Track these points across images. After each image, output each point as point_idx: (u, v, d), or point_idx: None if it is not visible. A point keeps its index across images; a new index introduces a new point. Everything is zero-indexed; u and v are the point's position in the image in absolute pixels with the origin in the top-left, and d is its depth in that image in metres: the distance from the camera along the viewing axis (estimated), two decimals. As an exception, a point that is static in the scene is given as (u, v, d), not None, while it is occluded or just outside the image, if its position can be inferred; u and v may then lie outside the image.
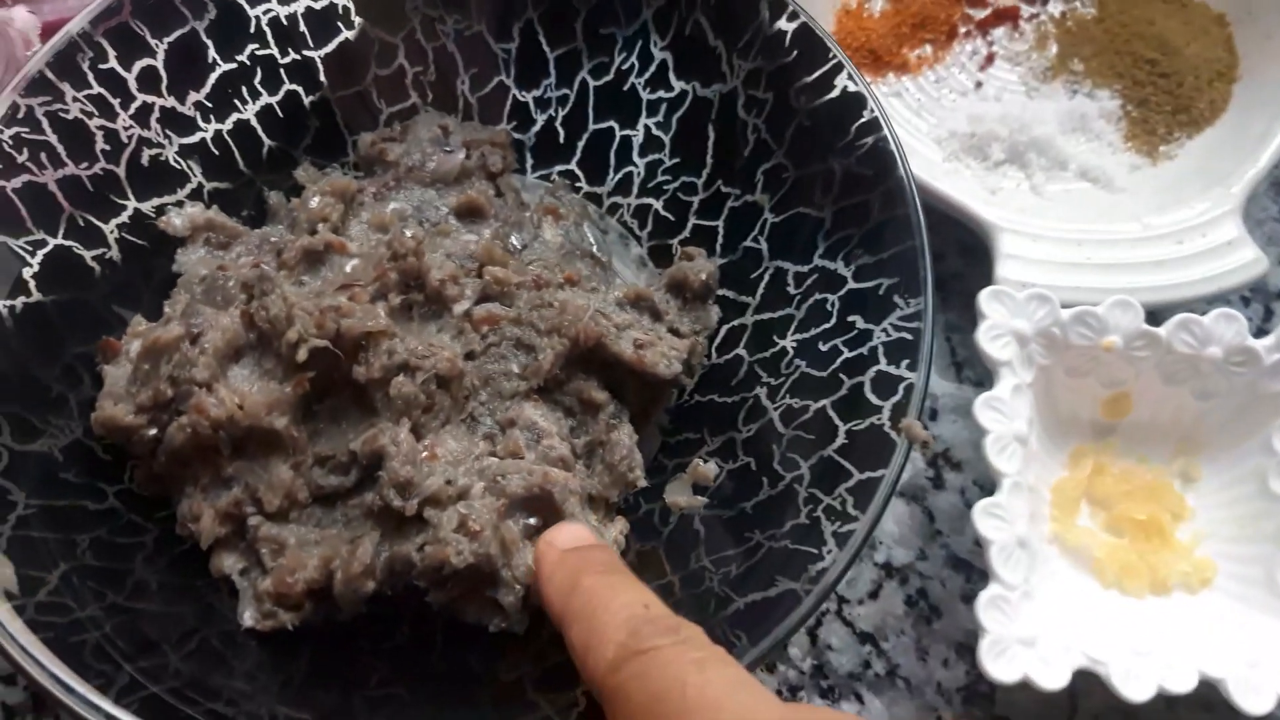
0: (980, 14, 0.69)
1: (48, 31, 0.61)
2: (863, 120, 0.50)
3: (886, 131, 0.49)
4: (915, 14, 0.67)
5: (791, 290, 0.52)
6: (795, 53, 0.52)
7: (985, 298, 0.53)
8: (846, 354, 0.48)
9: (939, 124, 0.65)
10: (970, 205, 0.57)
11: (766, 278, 0.53)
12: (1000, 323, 0.52)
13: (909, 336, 0.45)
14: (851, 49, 0.66)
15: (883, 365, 0.46)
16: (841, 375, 0.47)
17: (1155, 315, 0.54)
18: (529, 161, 0.60)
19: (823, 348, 0.49)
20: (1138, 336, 0.53)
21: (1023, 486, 0.50)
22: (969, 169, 0.64)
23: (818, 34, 0.52)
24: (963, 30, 0.68)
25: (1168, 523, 0.54)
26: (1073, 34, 0.68)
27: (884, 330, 0.46)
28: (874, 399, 0.45)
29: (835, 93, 0.51)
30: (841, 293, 0.49)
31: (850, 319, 0.48)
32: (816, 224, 0.51)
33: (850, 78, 0.51)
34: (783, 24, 0.52)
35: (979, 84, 0.67)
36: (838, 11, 0.68)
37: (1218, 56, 0.66)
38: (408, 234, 0.50)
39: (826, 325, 0.49)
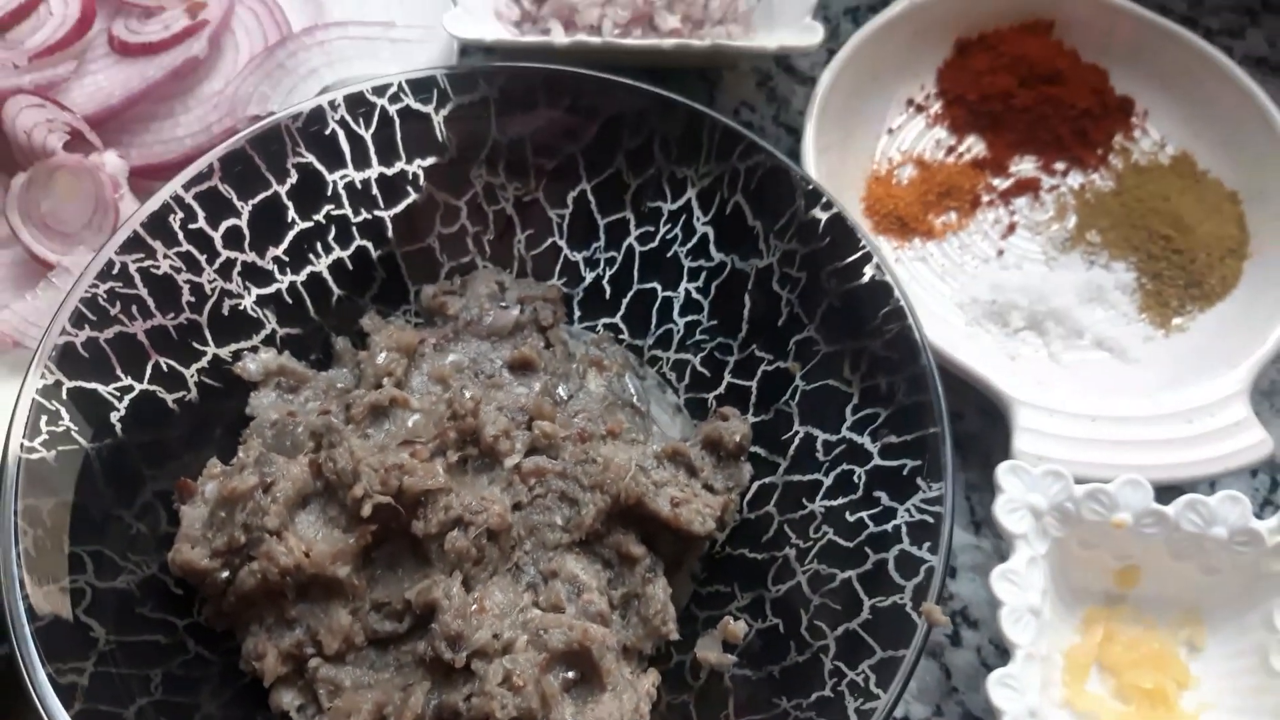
0: (1003, 184, 0.73)
1: (135, 174, 0.66)
2: (889, 308, 0.54)
3: (911, 321, 0.53)
4: (941, 183, 0.72)
5: (820, 457, 0.55)
6: (828, 239, 0.57)
7: (1003, 472, 0.56)
8: (872, 528, 0.51)
9: (961, 289, 0.69)
10: (990, 379, 0.61)
11: (797, 441, 0.57)
12: (1017, 497, 0.56)
13: (930, 520, 0.49)
14: (880, 214, 0.71)
15: (906, 545, 0.49)
16: (867, 549, 0.51)
17: (1163, 490, 0.57)
18: (577, 313, 0.64)
19: (849, 518, 0.52)
20: (1147, 515, 0.56)
21: (1035, 657, 0.53)
22: (989, 334, 0.67)
23: (849, 224, 0.56)
24: (986, 199, 0.73)
25: (1172, 691, 0.56)
26: (1091, 206, 0.72)
27: (907, 510, 0.50)
28: (897, 578, 0.48)
29: (864, 279, 0.55)
30: (868, 467, 0.53)
31: (876, 494, 0.52)
32: (845, 398, 0.55)
33: (879, 267, 0.55)
34: (817, 212, 0.57)
35: (1001, 251, 0.71)
36: (868, 179, 0.72)
37: (1230, 234, 0.70)
38: (467, 395, 0.54)
39: (853, 496, 0.53)
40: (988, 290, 0.68)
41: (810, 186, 0.57)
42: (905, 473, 0.51)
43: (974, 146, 0.75)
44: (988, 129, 0.75)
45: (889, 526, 0.50)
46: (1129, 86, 0.76)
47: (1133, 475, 0.56)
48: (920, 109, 0.76)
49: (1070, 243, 0.71)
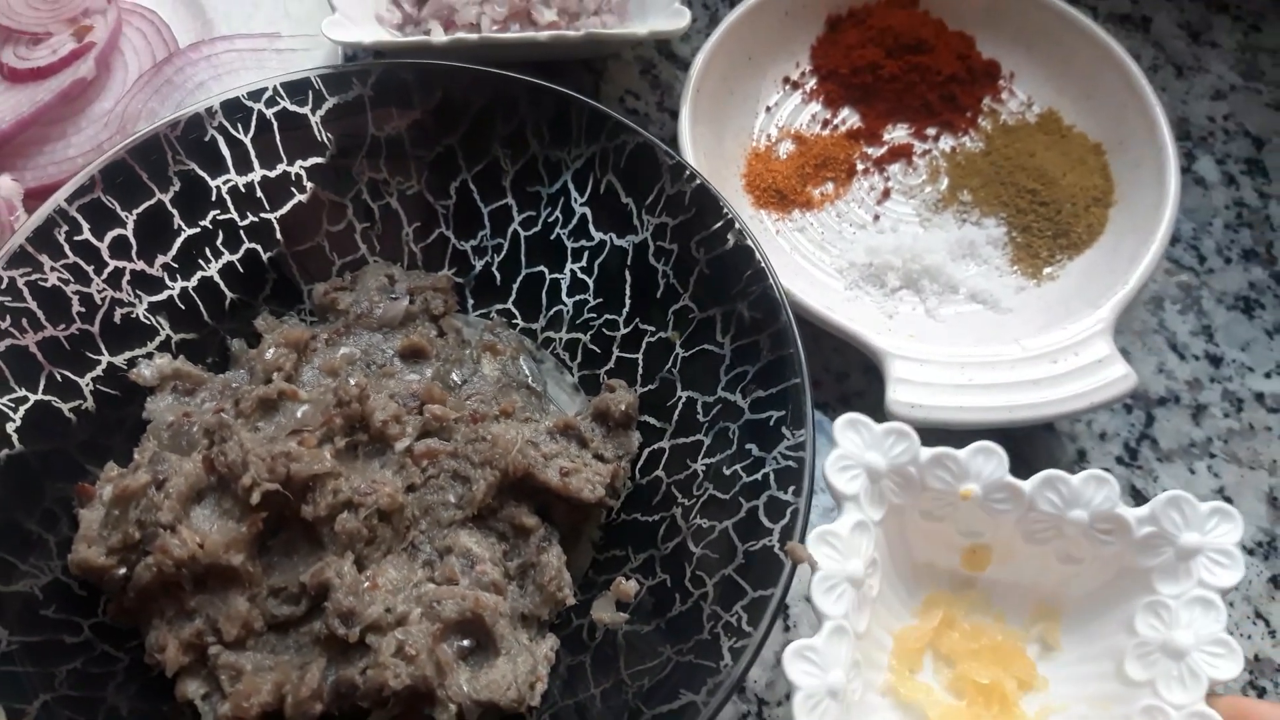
0: (877, 152, 0.76)
1: (30, 196, 0.68)
2: (752, 270, 0.56)
3: (772, 281, 0.56)
4: (817, 155, 0.74)
5: (700, 418, 0.58)
6: (694, 210, 0.59)
7: (840, 426, 0.54)
8: (744, 479, 0.53)
9: (840, 255, 0.72)
10: (863, 334, 0.64)
11: (680, 406, 0.59)
12: (852, 454, 0.53)
13: (794, 465, 0.51)
14: (760, 189, 0.73)
15: (774, 490, 0.51)
16: (740, 499, 0.53)
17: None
18: (470, 301, 0.66)
19: (726, 472, 0.55)
20: (999, 488, 0.53)
21: (849, 633, 0.49)
22: (869, 296, 0.70)
23: (712, 193, 0.58)
24: (861, 168, 0.75)
25: (1012, 691, 0.53)
26: (962, 167, 0.75)
27: (774, 458, 0.52)
28: (766, 522, 0.51)
29: (729, 245, 0.58)
30: (740, 422, 0.55)
31: (747, 447, 0.54)
32: (718, 360, 0.57)
33: (740, 233, 0.57)
34: (682, 185, 0.59)
35: (877, 217, 0.74)
36: (748, 156, 0.75)
37: (1094, 184, 0.73)
38: (352, 381, 0.56)
39: (729, 451, 0.55)
40: (864, 254, 0.71)
41: (674, 161, 0.60)
42: (771, 424, 0.53)
43: (849, 119, 0.77)
44: (860, 101, 0.77)
45: (759, 475, 0.53)
46: (995, 51, 0.78)
47: (986, 443, 0.53)
48: (796, 86, 0.78)
49: (942, 203, 0.74)
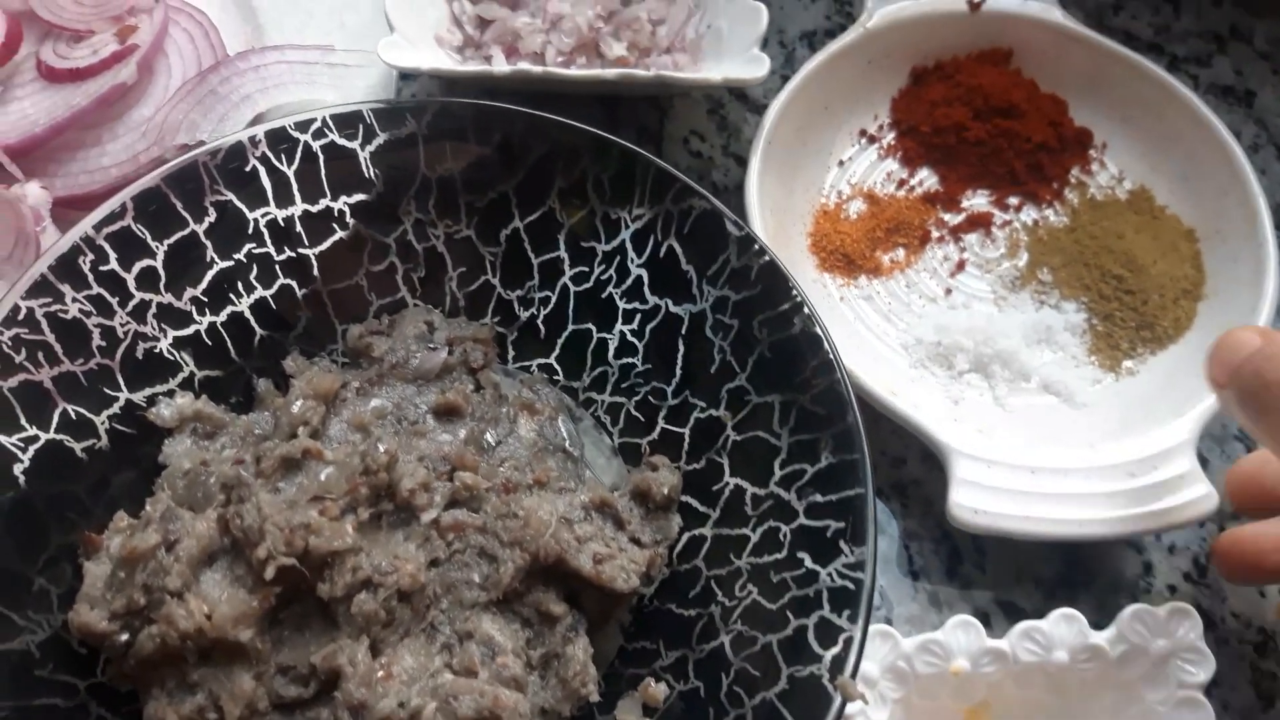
0: (954, 219, 0.71)
1: (59, 205, 0.65)
2: (819, 361, 0.52)
3: (840, 375, 0.51)
4: (890, 219, 0.70)
5: (749, 511, 0.54)
6: (760, 287, 0.55)
7: None
8: (794, 591, 0.49)
9: (907, 330, 0.67)
10: (928, 426, 0.59)
11: (727, 493, 0.55)
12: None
13: (851, 586, 0.47)
14: (826, 251, 0.69)
15: (826, 611, 0.47)
16: (789, 613, 0.49)
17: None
18: (511, 353, 0.63)
19: (774, 578, 0.51)
20: (983, 655, 0.54)
21: None
22: (935, 377, 0.66)
23: (781, 272, 0.54)
24: (935, 235, 0.71)
25: None
26: (1044, 243, 0.70)
27: (829, 575, 0.48)
28: (816, 647, 0.47)
29: (795, 330, 0.54)
30: (793, 525, 0.51)
31: (799, 555, 0.50)
32: (774, 451, 0.53)
33: (809, 318, 0.53)
34: (749, 259, 0.55)
35: (949, 290, 0.69)
36: (816, 213, 0.70)
37: (1185, 274, 0.68)
38: (381, 448, 0.52)
39: (778, 555, 0.51)
40: (933, 332, 0.66)
41: (743, 232, 0.56)
42: (829, 535, 0.49)
43: (926, 180, 0.73)
44: (940, 162, 0.73)
45: (810, 591, 0.49)
46: (1088, 118, 0.74)
47: (963, 617, 0.54)
48: (872, 140, 0.74)
49: (1020, 281, 0.69)
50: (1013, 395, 0.65)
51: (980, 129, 0.71)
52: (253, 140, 0.57)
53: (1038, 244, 0.70)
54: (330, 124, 0.58)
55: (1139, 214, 0.71)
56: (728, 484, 0.56)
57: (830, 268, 0.69)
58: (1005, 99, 0.71)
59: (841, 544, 0.49)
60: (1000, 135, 0.71)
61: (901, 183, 0.73)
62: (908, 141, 0.73)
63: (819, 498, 0.51)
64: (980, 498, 0.57)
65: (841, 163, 0.73)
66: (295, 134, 0.58)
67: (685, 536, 0.56)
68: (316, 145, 0.58)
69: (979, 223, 0.71)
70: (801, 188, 0.70)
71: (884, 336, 0.67)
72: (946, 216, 0.72)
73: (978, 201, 0.72)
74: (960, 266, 0.70)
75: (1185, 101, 0.70)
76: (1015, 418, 0.64)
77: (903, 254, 0.70)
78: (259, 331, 0.59)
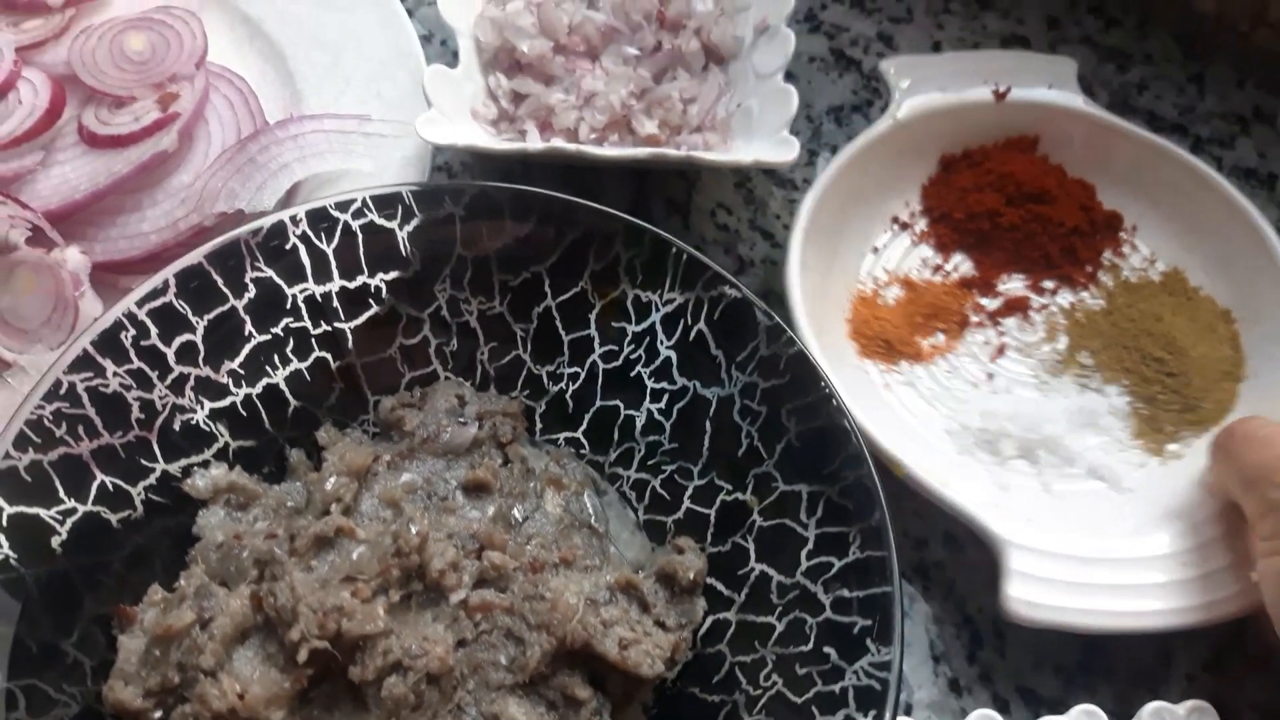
0: (992, 304, 0.72)
1: (98, 269, 0.66)
2: (847, 454, 0.53)
3: (869, 468, 0.52)
4: (928, 304, 0.71)
5: (774, 599, 0.54)
6: (789, 376, 0.56)
7: None
8: (819, 686, 0.50)
9: (952, 415, 0.68)
10: (980, 518, 0.60)
11: (752, 579, 0.56)
12: None
13: (878, 687, 0.48)
14: (867, 337, 0.69)
15: (851, 710, 0.48)
16: (814, 709, 0.49)
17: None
18: (539, 425, 0.63)
19: (799, 671, 0.51)
20: None
21: None
22: (981, 463, 0.66)
23: (811, 362, 0.55)
24: (974, 319, 0.71)
25: None
26: (1082, 326, 0.71)
27: (855, 673, 0.49)
28: (841, 746, 0.47)
29: (823, 420, 0.54)
30: (819, 619, 0.52)
31: (825, 650, 0.51)
32: (801, 541, 0.54)
33: (839, 410, 0.54)
34: (779, 348, 0.56)
35: (991, 375, 0.70)
36: (854, 300, 0.71)
37: (1224, 355, 0.68)
38: (414, 530, 0.53)
39: (804, 648, 0.52)
40: (979, 418, 0.67)
41: (772, 322, 0.56)
42: (855, 631, 0.50)
43: (960, 265, 0.74)
44: (974, 248, 0.73)
45: (836, 688, 0.49)
46: (1116, 201, 0.74)
47: (983, 711, 0.55)
48: (905, 226, 0.74)
49: (1062, 365, 0.70)
50: (1060, 481, 0.65)
51: (1013, 214, 0.72)
52: (294, 219, 0.58)
53: (1076, 327, 0.71)
54: (370, 204, 0.59)
55: (1173, 295, 0.71)
56: (753, 569, 0.56)
57: (871, 353, 0.69)
58: (1037, 185, 0.72)
59: (869, 642, 0.49)
60: (1033, 220, 0.72)
61: (937, 268, 0.74)
62: (941, 228, 0.74)
63: (846, 593, 0.51)
64: (1036, 590, 0.57)
65: (876, 249, 0.74)
66: (335, 213, 0.59)
67: (709, 620, 0.57)
68: (356, 224, 0.59)
69: (1016, 307, 0.72)
70: (838, 275, 0.71)
71: (929, 422, 0.67)
72: (984, 301, 0.72)
73: (1013, 286, 0.73)
74: (1001, 351, 0.71)
75: (1214, 185, 0.71)
76: (1063, 505, 0.64)
77: (943, 338, 0.71)
78: (293, 402, 0.60)
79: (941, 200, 0.74)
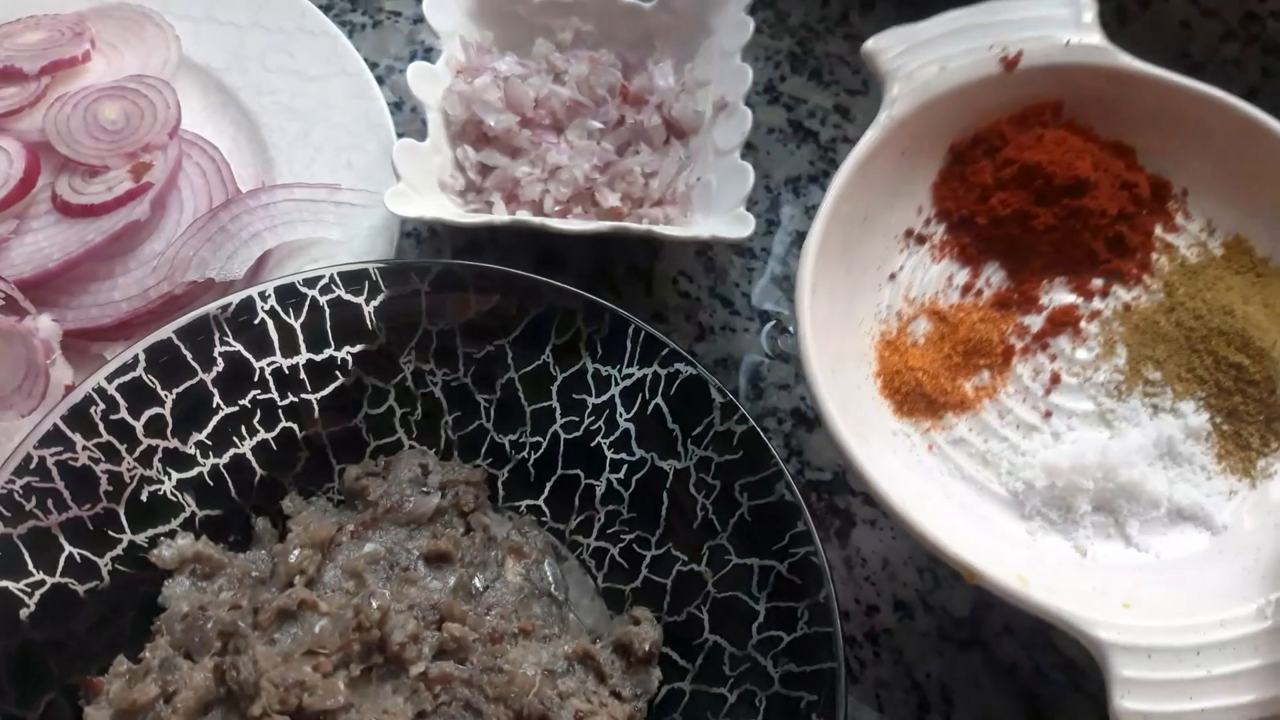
0: (1035, 322, 0.64)
1: (69, 337, 0.67)
2: (797, 530, 0.55)
3: (817, 546, 0.54)
4: (964, 338, 0.63)
5: (727, 671, 0.56)
6: (741, 452, 0.58)
7: None
8: (769, 762, 0.52)
9: (1012, 473, 0.61)
10: (1079, 621, 0.52)
11: (706, 649, 0.58)
12: None
13: (824, 764, 0.49)
14: (900, 393, 0.62)
15: (798, 788, 0.50)
16: (762, 780, 0.51)
17: None
18: (501, 493, 0.65)
19: (749, 745, 0.53)
20: None
21: None
22: (1053, 524, 0.60)
23: (761, 440, 0.57)
24: (1019, 346, 0.64)
25: None
26: (1141, 331, 0.63)
27: (802, 749, 0.50)
28: (788, 823, 0.49)
29: (774, 498, 0.56)
30: (769, 692, 0.53)
31: (774, 725, 0.52)
32: (752, 614, 0.56)
33: (789, 487, 0.56)
34: (732, 425, 0.58)
35: (1048, 413, 0.62)
36: (878, 345, 0.64)
37: None
38: (375, 605, 0.54)
39: (754, 721, 0.53)
40: (1043, 475, 0.60)
41: (725, 400, 0.58)
42: (803, 706, 0.52)
43: (993, 278, 0.66)
44: (1006, 256, 0.65)
45: (784, 764, 0.51)
46: (1160, 165, 0.66)
47: None
48: (921, 240, 0.67)
49: (1126, 386, 0.62)
50: (1145, 533, 0.59)
51: (1047, 215, 0.64)
52: (262, 295, 0.60)
53: (1134, 334, 0.63)
54: (338, 280, 0.61)
55: (1240, 273, 0.64)
56: (707, 640, 0.58)
57: (909, 412, 0.62)
58: (1069, 175, 0.63)
59: (814, 718, 0.51)
60: (1071, 217, 0.64)
61: (967, 287, 0.66)
62: (963, 237, 0.66)
63: (794, 668, 0.53)
64: (1148, 698, 0.50)
65: (893, 276, 0.66)
66: (304, 289, 0.60)
67: (664, 689, 0.58)
68: (323, 300, 0.61)
69: (1064, 321, 0.64)
70: (856, 322, 0.64)
71: (987, 486, 0.61)
72: (1026, 320, 0.64)
73: (1057, 294, 0.65)
74: (1055, 380, 0.63)
75: (1271, 131, 0.63)
76: (1157, 565, 0.57)
77: (987, 377, 0.62)
78: (259, 472, 0.61)
79: (958, 199, 0.66)
